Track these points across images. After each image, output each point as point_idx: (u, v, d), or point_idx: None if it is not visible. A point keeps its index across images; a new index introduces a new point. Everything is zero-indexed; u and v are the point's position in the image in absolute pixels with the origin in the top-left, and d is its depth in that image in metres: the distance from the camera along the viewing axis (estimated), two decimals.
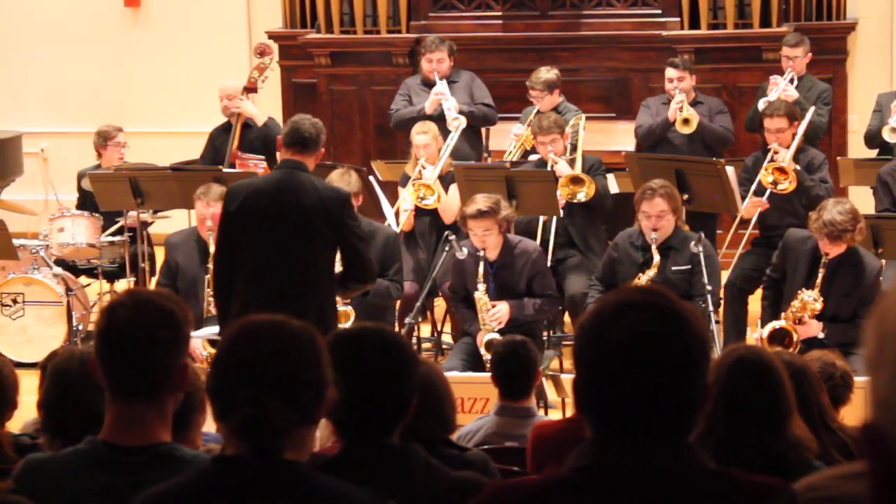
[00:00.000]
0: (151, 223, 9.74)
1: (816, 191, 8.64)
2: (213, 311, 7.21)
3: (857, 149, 10.71)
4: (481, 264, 7.90)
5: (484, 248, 7.88)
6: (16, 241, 9.17)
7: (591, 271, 8.55)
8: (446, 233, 8.39)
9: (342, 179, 7.97)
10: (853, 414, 4.95)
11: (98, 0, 12.57)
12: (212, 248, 7.65)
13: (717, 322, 8.10)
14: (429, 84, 10.01)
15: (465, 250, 7.96)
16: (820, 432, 4.22)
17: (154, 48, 12.54)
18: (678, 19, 11.20)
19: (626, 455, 2.17)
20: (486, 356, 7.55)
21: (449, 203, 8.94)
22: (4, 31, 12.75)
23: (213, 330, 7.49)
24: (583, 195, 8.75)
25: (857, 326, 7.34)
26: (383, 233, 8.26)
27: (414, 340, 8.72)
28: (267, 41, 11.15)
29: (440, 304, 9.25)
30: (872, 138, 9.87)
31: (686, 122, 9.61)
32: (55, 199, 11.22)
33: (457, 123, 9.57)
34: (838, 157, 10.23)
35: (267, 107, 10.96)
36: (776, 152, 8.74)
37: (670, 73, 9.78)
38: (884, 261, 7.85)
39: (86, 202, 9.66)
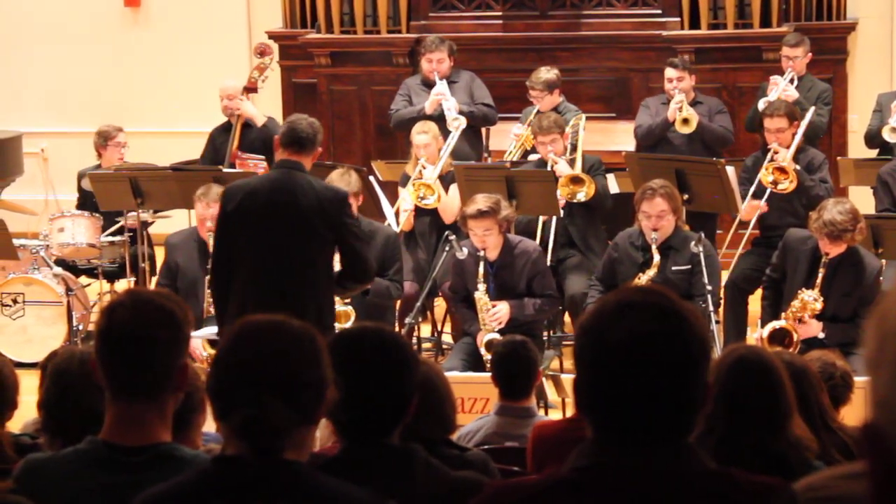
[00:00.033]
0: (151, 223, 9.74)
1: (816, 191, 8.64)
2: (213, 311, 7.21)
3: (857, 149, 10.71)
4: (481, 264, 7.90)
5: (484, 248, 7.88)
6: (16, 241, 9.17)
7: (591, 271, 8.55)
8: (446, 233, 8.39)
9: (342, 179, 7.97)
10: (853, 414, 4.95)
11: (98, 0, 12.57)
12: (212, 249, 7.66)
13: (717, 322, 8.10)
14: (429, 84, 10.01)
15: (465, 250, 7.96)
16: (820, 432, 4.22)
17: (154, 48, 12.54)
18: (678, 19, 11.20)
19: (627, 455, 2.17)
20: (487, 356, 7.55)
21: (449, 203, 8.95)
22: (4, 31, 12.75)
23: (213, 330, 7.48)
24: (583, 195, 8.75)
25: (857, 326, 7.35)
26: (383, 233, 8.26)
27: (414, 340, 8.72)
28: (267, 41, 11.15)
29: (440, 304, 9.25)
30: (872, 138, 9.87)
31: (685, 122, 9.61)
32: (55, 200, 11.22)
33: (457, 124, 9.57)
34: (838, 157, 10.23)
35: (267, 107, 10.96)
36: (776, 152, 8.74)
37: (670, 73, 9.78)
38: (884, 261, 7.86)
39: (86, 202, 9.66)
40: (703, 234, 7.94)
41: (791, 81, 9.90)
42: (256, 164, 9.54)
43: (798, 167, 8.72)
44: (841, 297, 7.48)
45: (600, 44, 11.34)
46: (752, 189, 8.79)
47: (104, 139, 9.87)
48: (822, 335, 7.45)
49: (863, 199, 9.25)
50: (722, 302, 8.42)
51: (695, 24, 11.20)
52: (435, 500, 3.16)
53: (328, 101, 11.56)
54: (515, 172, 8.89)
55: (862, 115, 10.73)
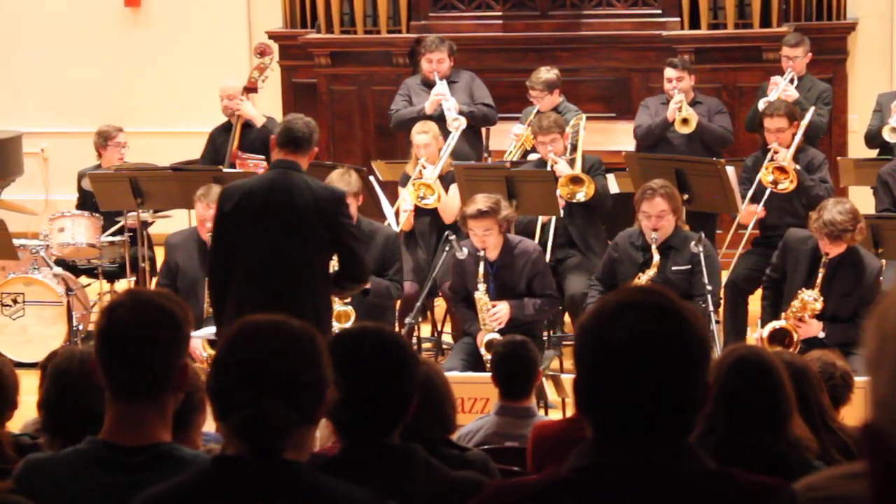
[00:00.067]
0: (151, 223, 9.74)
1: (816, 191, 8.64)
2: (211, 311, 7.21)
3: (858, 149, 10.71)
4: (481, 264, 7.90)
5: (484, 248, 7.88)
6: (16, 241, 9.17)
7: (591, 271, 8.55)
8: (446, 233, 8.39)
9: (342, 179, 7.98)
10: (853, 414, 4.95)
11: (98, 0, 12.57)
12: None
13: (717, 322, 8.10)
14: (429, 84, 10.01)
15: (465, 250, 7.96)
16: (820, 432, 4.22)
17: (154, 48, 12.54)
18: (678, 19, 11.20)
19: (627, 455, 2.17)
20: (487, 356, 7.55)
21: (449, 203, 8.94)
22: (4, 31, 12.75)
23: (212, 330, 7.48)
24: (582, 195, 8.75)
25: (857, 326, 7.34)
26: (383, 233, 8.26)
27: (414, 340, 8.72)
28: (267, 41, 11.15)
29: (440, 304, 9.25)
30: (873, 138, 9.87)
31: (685, 122, 9.61)
32: (55, 199, 11.23)
33: (457, 124, 9.57)
34: (838, 157, 10.23)
35: (267, 107, 10.96)
36: (776, 152, 8.74)
37: (669, 73, 9.79)
38: (884, 261, 7.86)
39: (86, 202, 9.66)
40: (703, 234, 7.94)
41: (791, 81, 9.90)
42: (256, 164, 9.54)
43: (798, 167, 8.72)
44: (841, 297, 7.48)
45: (600, 44, 11.34)
46: (752, 189, 8.79)
47: (104, 139, 9.87)
48: (822, 335, 7.45)
49: (863, 199, 9.26)
50: (722, 302, 8.42)
51: (695, 24, 11.20)
52: (435, 500, 3.16)
53: (328, 101, 11.56)
54: (515, 172, 8.89)
55: (862, 115, 10.73)
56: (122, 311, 2.95)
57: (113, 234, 9.51)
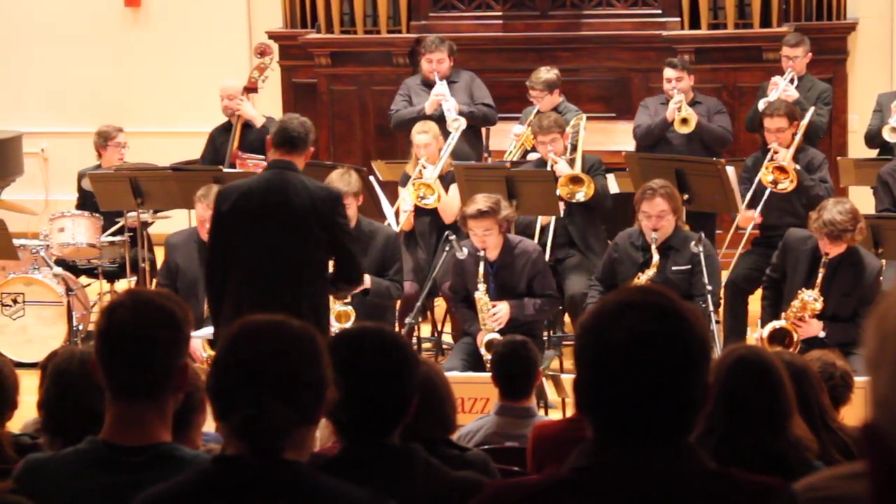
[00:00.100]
0: (151, 223, 9.74)
1: (816, 190, 8.65)
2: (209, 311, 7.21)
3: (858, 149, 10.71)
4: (481, 264, 7.90)
5: (484, 248, 7.88)
6: (16, 241, 9.17)
7: (591, 271, 8.55)
8: (446, 233, 8.39)
9: (342, 179, 7.97)
10: (853, 414, 4.95)
11: (98, 0, 12.57)
12: None
13: (717, 322, 8.10)
14: (429, 84, 10.00)
15: (465, 250, 7.96)
16: (820, 432, 4.22)
17: (154, 48, 12.54)
18: (678, 19, 11.20)
19: (627, 455, 2.17)
20: (487, 356, 7.55)
21: (449, 203, 8.94)
22: (4, 31, 12.75)
23: (212, 330, 7.48)
24: (582, 195, 8.75)
25: (857, 326, 7.34)
26: (383, 233, 8.26)
27: (414, 340, 8.72)
28: (267, 41, 11.15)
29: (440, 304, 9.25)
30: (873, 138, 9.87)
31: (684, 122, 9.61)
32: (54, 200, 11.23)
33: (457, 125, 9.56)
34: (838, 157, 10.23)
35: (267, 107, 10.96)
36: (776, 152, 8.74)
37: (668, 73, 9.79)
38: (884, 261, 7.86)
39: (86, 202, 9.66)
40: (703, 234, 7.94)
41: (791, 81, 9.90)
42: (256, 165, 9.54)
43: (798, 167, 8.72)
44: (841, 296, 7.48)
45: (600, 44, 11.34)
46: (752, 189, 8.79)
47: (104, 139, 9.87)
48: (822, 334, 7.45)
49: (863, 199, 9.26)
50: (722, 302, 8.42)
51: (695, 24, 11.20)
52: (435, 500, 3.16)
53: (328, 101, 11.56)
54: (515, 172, 8.89)
55: (862, 115, 10.73)
56: (122, 311, 2.95)
57: (113, 234, 9.51)
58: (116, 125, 10.00)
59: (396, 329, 7.37)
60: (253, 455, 2.53)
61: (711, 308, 7.67)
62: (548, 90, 9.71)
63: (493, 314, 7.87)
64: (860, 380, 5.14)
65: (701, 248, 7.80)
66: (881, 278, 7.61)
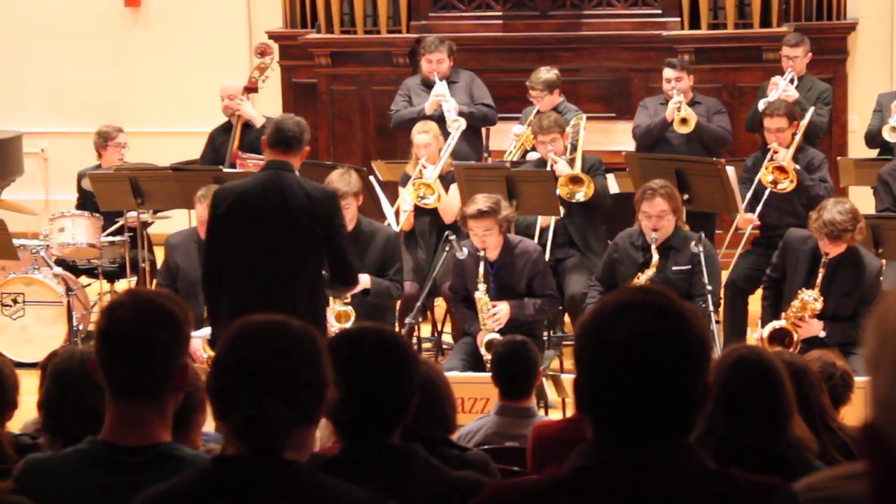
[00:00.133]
0: (151, 223, 9.74)
1: (816, 190, 8.64)
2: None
3: (858, 149, 10.71)
4: (481, 264, 7.90)
5: (484, 248, 7.88)
6: (16, 241, 9.17)
7: (590, 271, 8.55)
8: (446, 233, 8.39)
9: (342, 179, 7.97)
10: (853, 414, 4.95)
11: (98, 0, 12.58)
12: None
13: (717, 322, 8.10)
14: (428, 84, 10.00)
15: (465, 250, 7.96)
16: (820, 432, 4.22)
17: (154, 48, 12.54)
18: (678, 19, 11.20)
19: (627, 455, 2.17)
20: (487, 356, 7.55)
21: (449, 203, 8.94)
22: (4, 31, 12.75)
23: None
24: (582, 195, 8.75)
25: (857, 326, 7.34)
26: (383, 233, 8.26)
27: (414, 340, 8.72)
28: (267, 41, 11.15)
29: (440, 304, 9.25)
30: (873, 138, 9.87)
31: (684, 122, 9.60)
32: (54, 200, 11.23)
33: (457, 125, 9.56)
34: (838, 157, 10.23)
35: (267, 107, 10.96)
36: (776, 152, 8.74)
37: (668, 73, 9.79)
38: (884, 261, 7.85)
39: (86, 202, 9.66)
40: (703, 234, 7.94)
41: (791, 81, 9.90)
42: (256, 165, 9.52)
43: (798, 167, 8.72)
44: (841, 296, 7.48)
45: (600, 44, 11.34)
46: (752, 189, 8.79)
47: (104, 139, 9.87)
48: (822, 334, 7.45)
49: (863, 199, 9.26)
50: (722, 302, 8.42)
51: (695, 24, 11.20)
52: (435, 500, 3.16)
53: (328, 101, 11.56)
54: (515, 172, 8.89)
55: (862, 115, 10.73)
56: (122, 311, 2.95)
57: (113, 234, 9.51)
58: (116, 125, 10.01)
59: (396, 329, 7.37)
60: (253, 455, 2.53)
61: (711, 308, 7.66)
62: (548, 90, 9.71)
63: (493, 314, 7.87)
64: (860, 380, 5.14)
65: (701, 248, 7.80)
66: (881, 278, 7.61)
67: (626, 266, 7.99)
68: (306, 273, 6.30)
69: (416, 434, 3.35)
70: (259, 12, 12.40)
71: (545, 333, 8.64)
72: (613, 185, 9.36)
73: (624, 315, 2.18)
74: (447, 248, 8.22)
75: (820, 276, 7.45)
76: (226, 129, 10.07)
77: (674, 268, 7.90)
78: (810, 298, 7.45)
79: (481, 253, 7.88)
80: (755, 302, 8.38)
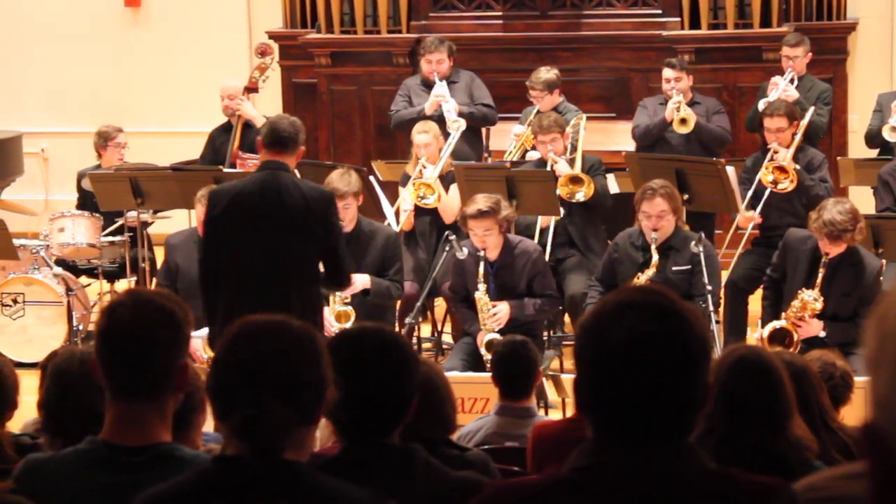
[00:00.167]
0: (151, 223, 9.74)
1: (816, 190, 8.64)
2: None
3: (858, 149, 10.71)
4: (481, 264, 7.90)
5: (484, 248, 7.88)
6: (16, 241, 9.17)
7: (590, 271, 8.55)
8: (446, 233, 8.39)
9: (342, 179, 7.97)
10: (853, 414, 4.95)
11: (98, 0, 12.58)
12: None
13: (717, 322, 8.10)
14: (428, 85, 10.00)
15: (465, 250, 7.96)
16: (820, 432, 4.22)
17: (154, 48, 12.54)
18: (678, 19, 11.20)
19: (627, 455, 2.17)
20: (487, 356, 7.55)
21: (449, 203, 8.94)
22: (4, 31, 12.75)
23: None
24: (582, 195, 8.75)
25: (857, 326, 7.34)
26: (383, 233, 8.26)
27: (414, 340, 8.72)
28: (267, 41, 11.15)
29: (440, 304, 9.25)
30: (873, 138, 9.87)
31: (683, 122, 9.60)
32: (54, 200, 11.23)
33: (457, 126, 9.56)
34: (838, 157, 10.23)
35: (267, 107, 10.96)
36: (776, 152, 8.74)
37: (667, 73, 9.78)
38: (884, 261, 7.85)
39: (86, 202, 9.66)
40: (703, 234, 7.94)
41: (791, 81, 9.90)
42: (257, 165, 9.52)
43: (798, 167, 8.72)
44: (841, 296, 7.48)
45: (600, 44, 11.34)
46: (752, 189, 8.79)
47: (104, 139, 9.87)
48: (823, 334, 7.45)
49: (863, 199, 9.26)
50: (722, 302, 8.41)
51: (695, 24, 11.20)
52: (435, 500, 3.16)
53: (328, 101, 11.56)
54: (515, 172, 8.89)
55: (862, 115, 10.73)
56: (122, 311, 2.95)
57: (113, 234, 9.51)
58: (116, 125, 10.01)
59: (396, 329, 7.37)
60: (253, 455, 2.53)
61: (711, 308, 7.66)
62: (548, 90, 9.71)
63: (493, 314, 7.87)
64: (860, 380, 5.14)
65: (701, 248, 7.80)
66: (881, 278, 7.61)
67: (626, 266, 7.99)
68: (302, 273, 6.31)
69: (416, 434, 3.35)
70: (259, 12, 12.40)
71: (545, 333, 8.64)
72: (613, 185, 9.36)
73: (624, 315, 2.18)
74: (447, 248, 8.22)
75: (820, 276, 7.45)
76: (226, 129, 10.07)
77: (674, 268, 7.90)
78: (810, 298, 7.45)
79: (481, 253, 7.88)
80: (755, 302, 8.38)
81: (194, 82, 12.17)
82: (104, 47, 12.58)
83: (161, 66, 12.50)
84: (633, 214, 8.06)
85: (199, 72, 12.18)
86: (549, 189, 8.69)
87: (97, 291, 9.60)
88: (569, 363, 8.34)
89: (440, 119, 9.62)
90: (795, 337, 7.42)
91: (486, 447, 4.90)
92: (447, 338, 9.10)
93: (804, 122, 9.06)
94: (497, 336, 7.61)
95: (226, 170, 9.20)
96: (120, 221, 9.49)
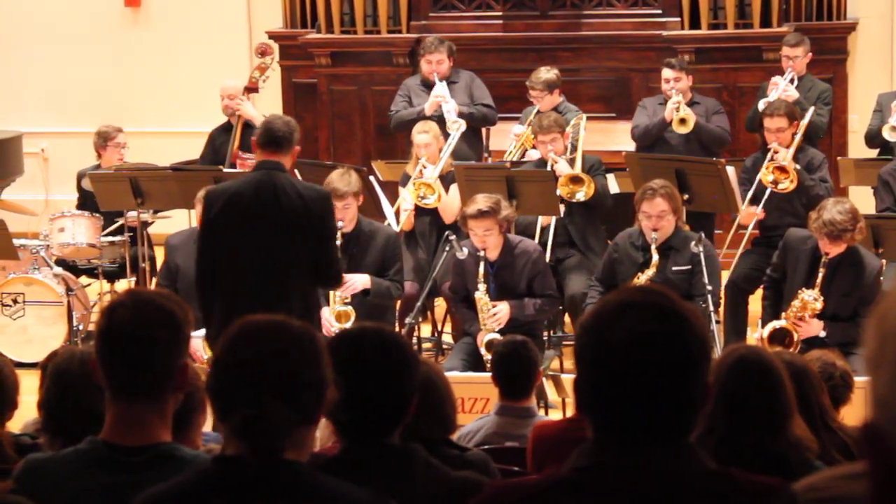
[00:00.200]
0: (151, 223, 9.75)
1: (816, 190, 8.64)
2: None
3: (858, 149, 10.71)
4: (482, 264, 7.90)
5: (484, 248, 7.88)
6: (16, 241, 9.17)
7: (591, 271, 8.55)
8: (447, 233, 8.39)
9: (342, 179, 7.97)
10: (853, 414, 4.95)
11: (98, 0, 12.58)
12: None
13: (717, 322, 8.10)
14: (428, 85, 10.00)
15: (465, 250, 7.96)
16: (820, 432, 4.22)
17: (154, 48, 12.54)
18: (678, 19, 11.20)
19: (627, 455, 2.17)
20: (487, 356, 7.55)
21: (449, 203, 8.94)
22: (4, 31, 12.75)
23: None
24: (582, 195, 8.75)
25: (857, 326, 7.34)
26: (384, 233, 8.26)
27: (414, 340, 8.72)
28: (267, 41, 11.15)
29: (440, 304, 9.25)
30: (873, 138, 9.87)
31: (682, 122, 9.60)
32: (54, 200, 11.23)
33: (457, 126, 9.56)
34: (838, 157, 10.24)
35: (267, 107, 10.95)
36: (776, 152, 8.74)
37: (667, 73, 9.78)
38: (884, 261, 7.85)
39: (86, 202, 9.66)
40: (703, 234, 7.94)
41: (791, 81, 9.90)
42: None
43: (798, 167, 8.72)
44: (841, 296, 7.48)
45: (600, 44, 11.34)
46: (752, 189, 8.79)
47: (104, 139, 9.87)
48: (822, 334, 7.45)
49: (863, 199, 9.26)
50: (722, 302, 8.41)
51: (695, 24, 11.20)
52: (435, 500, 3.16)
53: (328, 101, 11.56)
54: (515, 172, 8.89)
55: (862, 115, 10.73)
56: (122, 311, 2.95)
57: (113, 234, 9.51)
58: (116, 125, 10.00)
59: (396, 329, 7.37)
60: (253, 455, 2.53)
61: (711, 308, 7.66)
62: (548, 90, 9.71)
63: (493, 314, 7.87)
64: (860, 380, 5.14)
65: (701, 248, 7.80)
66: (881, 278, 7.61)
67: (626, 266, 7.99)
68: (299, 273, 6.31)
69: (416, 434, 3.35)
70: (259, 12, 12.40)
71: (545, 333, 8.64)
72: (613, 185, 9.36)
73: (624, 315, 2.18)
74: (447, 248, 8.22)
75: (820, 275, 7.45)
76: (226, 129, 10.07)
77: (674, 268, 7.90)
78: (810, 298, 7.45)
79: (481, 253, 7.88)
80: (755, 302, 8.38)
81: (194, 82, 12.17)
82: (104, 47, 12.58)
83: (161, 66, 12.50)
84: (633, 214, 8.06)
85: (199, 72, 12.18)
86: (549, 189, 8.69)
87: (97, 291, 9.60)
88: (569, 363, 8.34)
89: (440, 119, 9.62)
90: (795, 337, 7.42)
91: (486, 447, 4.90)
92: (447, 338, 9.10)
93: (804, 122, 9.06)
94: (497, 336, 7.61)
95: (226, 170, 9.19)
96: (120, 221, 9.49)
